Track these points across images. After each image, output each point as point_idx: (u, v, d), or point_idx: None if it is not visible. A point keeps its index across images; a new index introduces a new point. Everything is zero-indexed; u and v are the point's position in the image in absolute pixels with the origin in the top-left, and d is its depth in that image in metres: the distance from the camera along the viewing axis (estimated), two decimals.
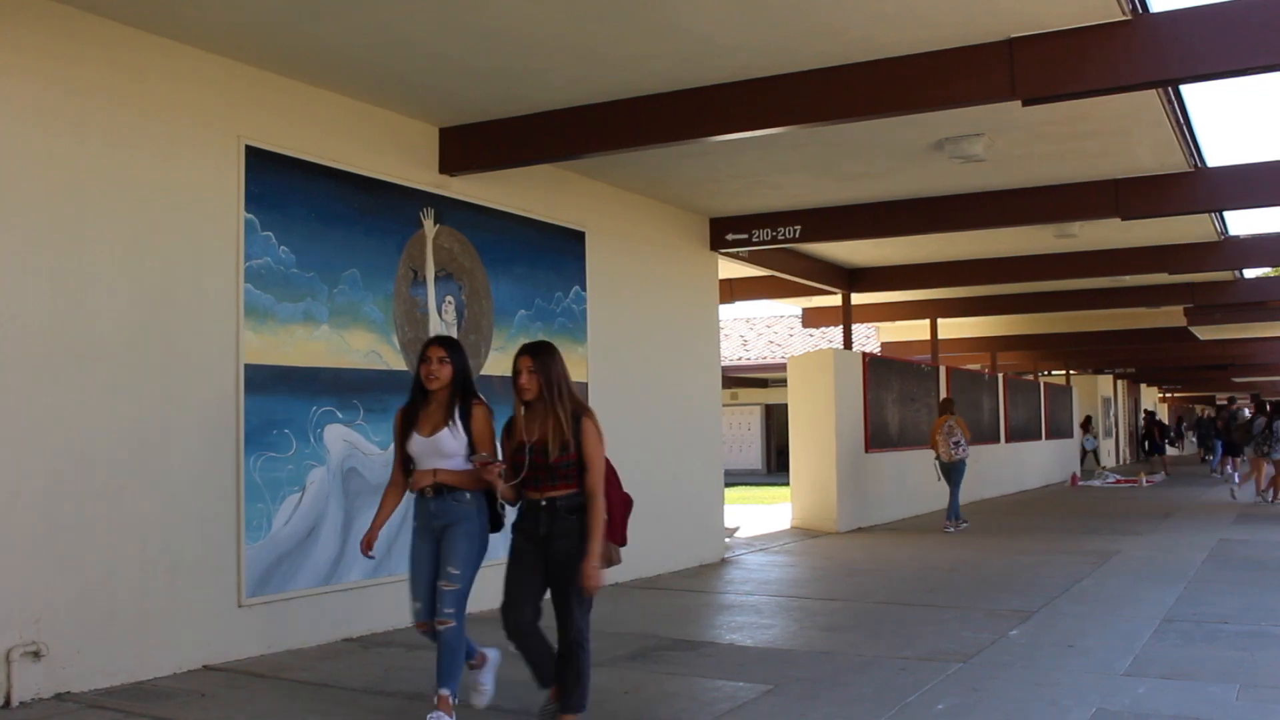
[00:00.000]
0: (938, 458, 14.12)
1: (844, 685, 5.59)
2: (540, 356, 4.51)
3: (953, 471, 14.00)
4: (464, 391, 4.83)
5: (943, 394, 17.80)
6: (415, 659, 6.26)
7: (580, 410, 4.53)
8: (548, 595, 4.60)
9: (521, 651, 4.62)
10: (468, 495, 4.71)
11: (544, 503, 4.47)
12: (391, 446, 7.10)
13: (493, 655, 5.04)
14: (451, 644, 4.71)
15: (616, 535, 4.69)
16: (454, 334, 7.88)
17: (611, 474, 4.68)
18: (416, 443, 4.76)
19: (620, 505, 4.70)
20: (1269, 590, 8.56)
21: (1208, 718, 4.89)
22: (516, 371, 4.52)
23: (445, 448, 4.72)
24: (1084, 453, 29.75)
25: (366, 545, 4.90)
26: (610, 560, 4.64)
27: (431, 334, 7.67)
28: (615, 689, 5.57)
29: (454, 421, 4.74)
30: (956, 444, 13.99)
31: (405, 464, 4.84)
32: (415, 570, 4.80)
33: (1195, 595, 8.30)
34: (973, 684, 5.55)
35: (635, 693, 5.50)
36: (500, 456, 4.63)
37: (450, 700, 4.66)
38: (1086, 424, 30.38)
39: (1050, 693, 5.35)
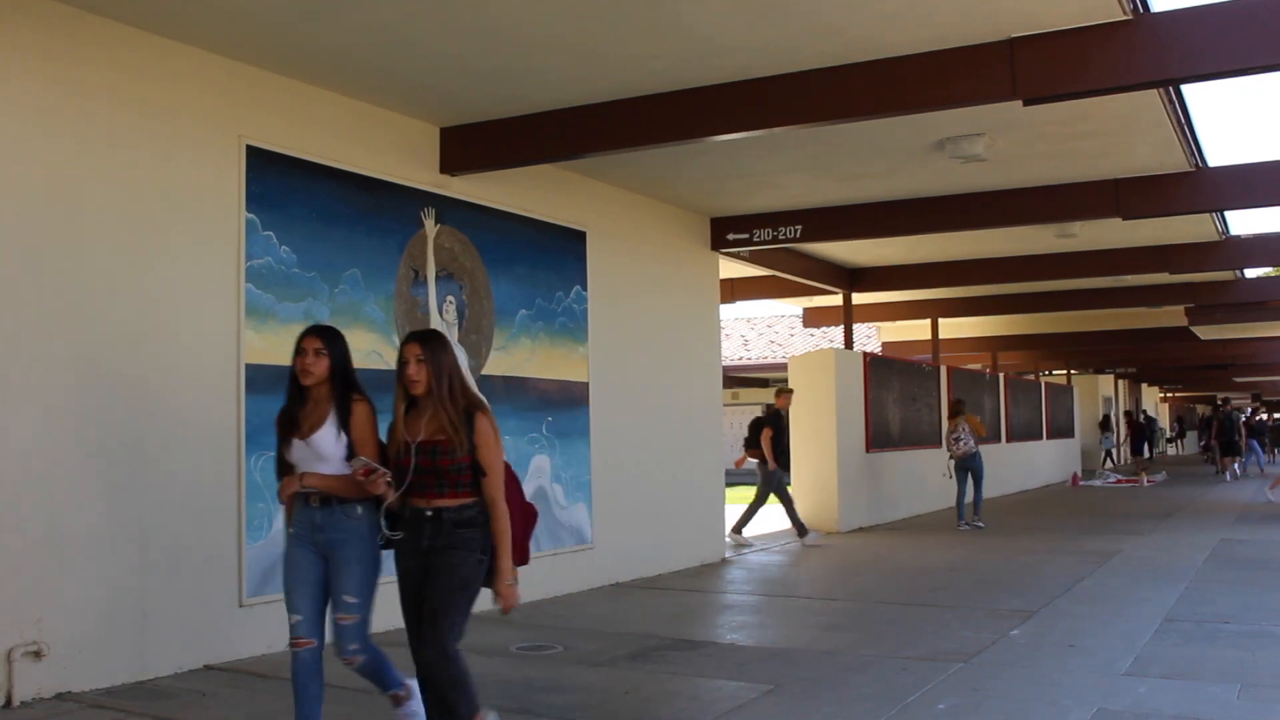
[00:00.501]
0: (951, 458, 14.31)
1: (845, 685, 5.59)
2: (430, 344, 4.05)
3: (963, 469, 14.15)
4: (344, 386, 4.24)
5: (944, 394, 17.87)
6: None
7: (474, 406, 4.02)
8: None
9: (430, 694, 4.07)
10: (358, 509, 4.11)
11: (429, 513, 3.95)
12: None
13: (414, 685, 4.33)
14: (371, 669, 4.26)
15: (515, 552, 4.11)
16: (454, 334, 7.87)
17: (512, 481, 4.19)
18: (295, 448, 4.18)
19: (520, 518, 4.15)
20: (1270, 590, 8.56)
21: (1209, 718, 4.88)
22: (403, 361, 4.04)
23: (323, 450, 4.13)
24: (1105, 453, 29.92)
25: None
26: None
27: None
28: (615, 689, 5.57)
29: (333, 420, 4.17)
30: (957, 440, 14.15)
31: (287, 470, 4.26)
32: (292, 579, 4.20)
33: (1196, 595, 8.30)
34: (973, 684, 5.55)
35: (635, 693, 5.50)
36: (385, 460, 4.08)
37: (405, 689, 4.35)
38: (1105, 423, 30.52)
39: (1051, 692, 5.35)
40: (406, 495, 3.98)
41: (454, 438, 3.91)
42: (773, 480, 12.40)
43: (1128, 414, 29.74)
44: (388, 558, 4.17)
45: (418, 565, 3.98)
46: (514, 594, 4.00)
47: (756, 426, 12.50)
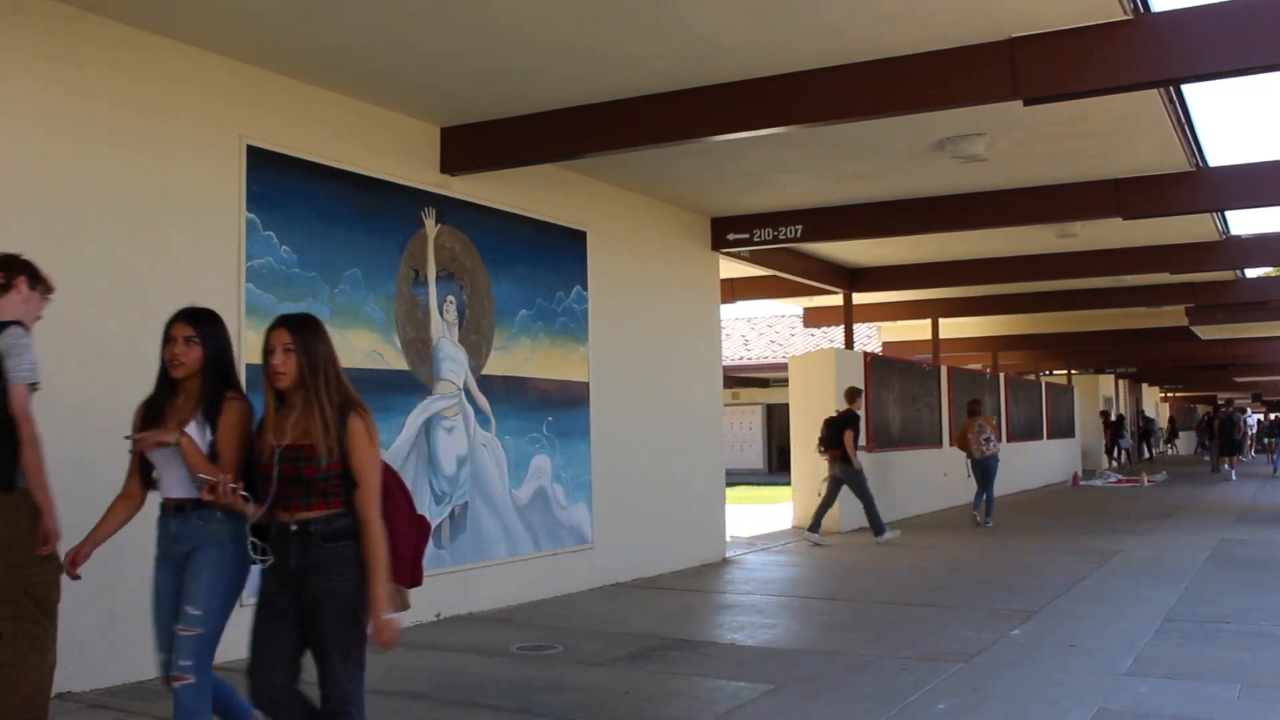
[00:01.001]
0: (970, 456, 14.44)
1: (845, 685, 5.59)
2: (301, 331, 3.49)
3: (985, 469, 14.38)
4: (219, 380, 3.75)
5: (944, 394, 17.92)
6: (416, 659, 6.26)
7: (349, 404, 3.48)
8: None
9: None
10: (218, 514, 3.63)
11: (294, 527, 3.42)
12: (393, 445, 7.17)
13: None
14: (189, 706, 3.63)
15: (404, 573, 3.59)
16: (455, 334, 7.87)
17: (399, 491, 3.66)
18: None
19: (409, 534, 3.63)
20: (1270, 590, 8.56)
21: (1209, 718, 4.89)
22: (269, 349, 3.47)
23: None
24: (1124, 451, 30.23)
25: (71, 564, 3.94)
26: (396, 605, 3.59)
27: (433, 334, 7.66)
28: (615, 689, 5.57)
29: (201, 419, 3.68)
30: (987, 440, 14.37)
31: (145, 472, 3.83)
32: (158, 608, 3.77)
33: (1197, 595, 8.30)
34: (974, 684, 5.55)
35: (635, 693, 5.50)
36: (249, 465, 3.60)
37: None
38: (1121, 423, 30.74)
39: (1051, 692, 5.35)
40: (270, 508, 3.47)
41: (322, 442, 3.39)
42: (857, 477, 12.49)
43: (1104, 414, 29.89)
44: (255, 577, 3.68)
45: (284, 588, 3.44)
46: (391, 630, 3.38)
47: (835, 427, 12.56)
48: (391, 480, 3.62)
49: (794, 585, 9.68)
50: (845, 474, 12.50)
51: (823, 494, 12.71)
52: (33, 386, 4.10)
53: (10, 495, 4.06)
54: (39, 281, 4.30)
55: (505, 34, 6.07)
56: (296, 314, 3.61)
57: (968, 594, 8.59)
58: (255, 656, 3.48)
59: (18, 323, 4.16)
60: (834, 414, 12.82)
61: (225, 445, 3.66)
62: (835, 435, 12.47)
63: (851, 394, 12.83)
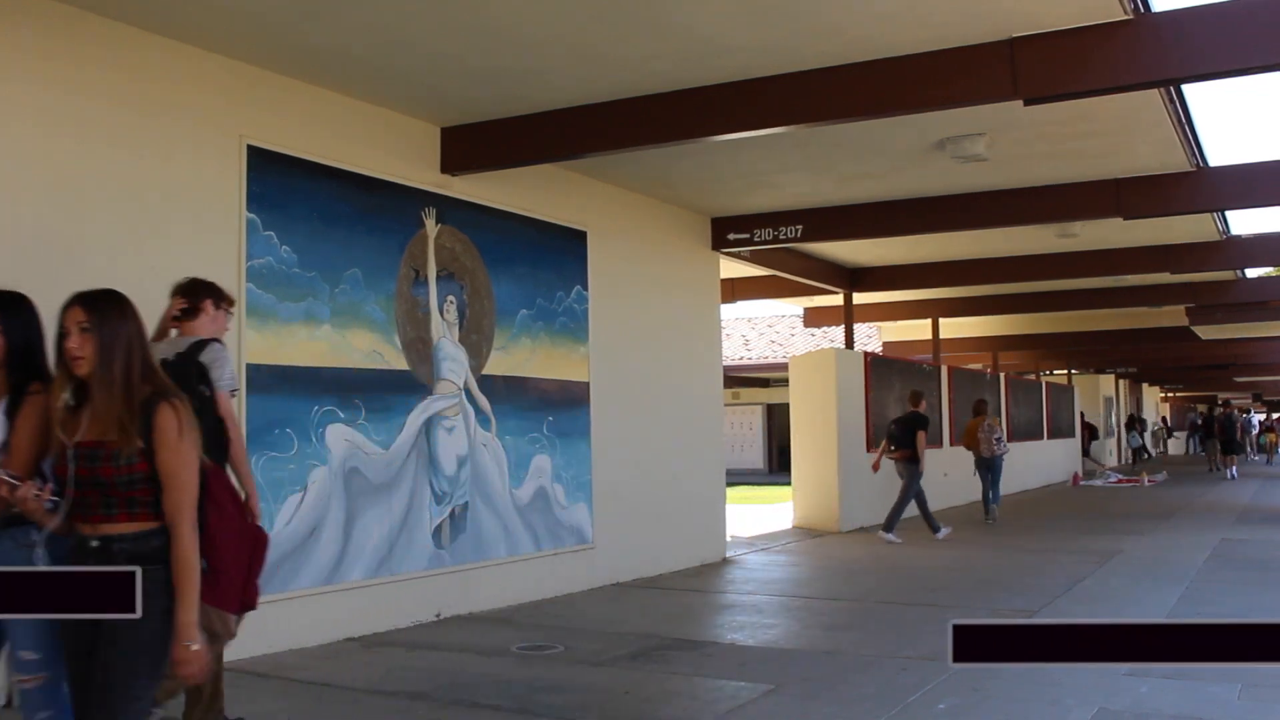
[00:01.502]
0: (978, 455, 14.75)
1: (845, 685, 5.59)
2: (99, 308, 2.97)
3: (993, 467, 14.72)
4: (25, 371, 3.38)
5: (944, 394, 17.96)
6: (417, 659, 6.26)
7: (160, 394, 2.95)
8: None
9: None
10: (33, 534, 3.09)
11: (95, 543, 2.90)
12: (394, 445, 7.18)
13: None
14: None
15: (232, 597, 3.17)
16: (455, 334, 7.86)
17: (228, 499, 3.23)
18: None
19: (239, 549, 3.20)
20: (1271, 590, 8.56)
21: (1209, 718, 4.89)
22: (63, 332, 2.96)
23: None
24: (1133, 451, 30.40)
25: None
26: (215, 632, 3.16)
27: (433, 334, 7.66)
28: (615, 689, 5.57)
29: (2, 415, 3.32)
30: (998, 440, 14.72)
31: None
32: None
33: (1197, 595, 8.30)
34: (974, 684, 5.55)
35: (635, 692, 5.50)
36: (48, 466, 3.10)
37: None
38: (1131, 423, 30.82)
39: (1052, 692, 5.35)
40: (70, 518, 2.94)
41: (120, 438, 2.88)
42: (915, 476, 12.76)
43: (1080, 415, 30.08)
44: None
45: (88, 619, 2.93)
46: (197, 662, 2.84)
47: (907, 427, 12.86)
48: (219, 486, 3.20)
49: (794, 585, 9.68)
50: (906, 470, 12.80)
51: (911, 499, 12.98)
52: (233, 392, 4.57)
53: None
54: (222, 300, 4.71)
55: (505, 34, 6.07)
56: (96, 290, 3.06)
57: (968, 594, 8.59)
58: (75, 703, 3.01)
59: (216, 340, 4.56)
60: (901, 415, 13.24)
61: (16, 441, 3.25)
62: (907, 435, 12.78)
63: (916, 397, 13.22)
